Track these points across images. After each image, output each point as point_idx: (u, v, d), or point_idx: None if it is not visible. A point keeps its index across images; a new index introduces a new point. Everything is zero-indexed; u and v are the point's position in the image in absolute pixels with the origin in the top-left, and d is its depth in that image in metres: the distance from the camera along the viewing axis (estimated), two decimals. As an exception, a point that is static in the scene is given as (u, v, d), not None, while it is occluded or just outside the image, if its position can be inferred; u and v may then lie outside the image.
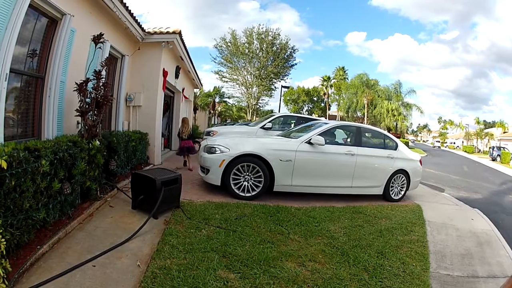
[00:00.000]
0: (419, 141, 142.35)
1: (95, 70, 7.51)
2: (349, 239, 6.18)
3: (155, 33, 12.54)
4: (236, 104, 62.94)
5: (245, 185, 8.58)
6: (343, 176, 9.37)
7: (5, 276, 3.93)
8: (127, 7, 9.82)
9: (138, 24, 11.23)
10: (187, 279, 4.28)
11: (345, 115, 67.66)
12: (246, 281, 4.45)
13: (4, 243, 3.95)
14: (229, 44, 55.77)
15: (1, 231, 3.92)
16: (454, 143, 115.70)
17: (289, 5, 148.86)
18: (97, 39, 7.58)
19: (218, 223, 6.35)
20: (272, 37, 55.19)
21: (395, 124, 61.89)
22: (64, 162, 5.73)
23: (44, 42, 7.32)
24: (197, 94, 41.51)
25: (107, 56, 9.36)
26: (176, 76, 16.46)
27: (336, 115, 75.53)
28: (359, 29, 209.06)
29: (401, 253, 5.88)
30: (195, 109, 32.55)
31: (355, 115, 67.38)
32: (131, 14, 10.34)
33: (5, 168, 4.15)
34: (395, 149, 10.52)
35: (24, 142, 5.09)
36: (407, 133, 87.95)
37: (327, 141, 9.14)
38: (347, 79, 72.11)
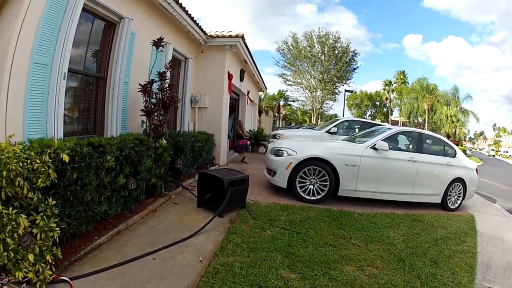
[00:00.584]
0: (476, 149, 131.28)
1: (158, 72, 7.64)
2: (406, 246, 6.04)
3: (218, 36, 12.59)
4: (300, 107, 62.73)
5: (310, 188, 8.45)
6: (405, 183, 9.03)
7: (53, 263, 4.07)
8: (187, 11, 9.88)
9: (200, 27, 11.30)
10: (249, 277, 4.25)
11: (407, 120, 65.17)
12: (306, 281, 4.38)
13: (58, 231, 4.08)
14: (291, 47, 55.84)
15: (56, 220, 4.06)
16: (507, 151, 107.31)
17: (346, 7, 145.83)
18: (158, 43, 7.65)
19: (282, 225, 6.31)
20: (333, 40, 54.84)
21: (453, 130, 59.28)
22: (130, 159, 5.89)
23: (103, 45, 7.52)
24: (262, 97, 41.70)
25: (171, 58, 9.53)
26: (241, 79, 16.53)
27: (398, 121, 72.33)
28: (415, 31, 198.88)
29: (452, 263, 5.67)
30: (259, 112, 32.69)
31: (415, 121, 64.56)
32: (192, 18, 10.42)
33: (67, 161, 4.31)
34: (454, 157, 10.00)
35: (87, 138, 5.24)
36: (465, 141, 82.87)
37: (390, 146, 8.87)
38: (407, 83, 69.33)
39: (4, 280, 3.95)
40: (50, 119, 5.76)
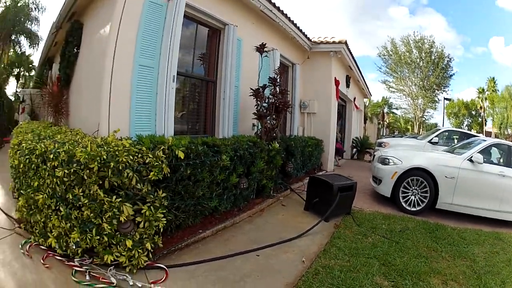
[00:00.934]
0: None
1: (269, 77, 7.85)
2: (486, 264, 5.68)
3: (322, 42, 12.57)
4: (403, 115, 60.13)
5: (412, 199, 8.14)
6: (492, 198, 8.21)
7: (152, 251, 4.36)
8: (289, 17, 9.99)
9: (304, 34, 11.40)
10: (346, 280, 4.29)
11: (498, 131, 57.57)
12: (396, 290, 4.37)
13: (164, 222, 4.38)
14: (390, 53, 53.79)
15: (163, 211, 4.36)
16: None
17: (434, 9, 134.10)
18: (261, 49, 7.85)
19: (383, 233, 6.27)
20: (428, 45, 51.77)
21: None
22: (243, 159, 6.18)
23: (210, 50, 7.93)
24: (366, 104, 40.66)
25: (279, 64, 9.68)
26: (347, 85, 16.40)
27: (491, 132, 65.21)
28: (497, 33, 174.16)
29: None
30: (365, 119, 31.91)
31: (506, 132, 57.23)
32: (295, 24, 10.52)
33: (182, 158, 4.64)
34: None
35: (200, 138, 5.59)
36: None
37: (484, 159, 8.20)
38: (497, 90, 61.56)
39: (86, 261, 4.33)
40: (160, 118, 6.18)
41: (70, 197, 4.10)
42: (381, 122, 46.12)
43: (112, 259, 4.14)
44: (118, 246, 4.15)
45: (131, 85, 5.90)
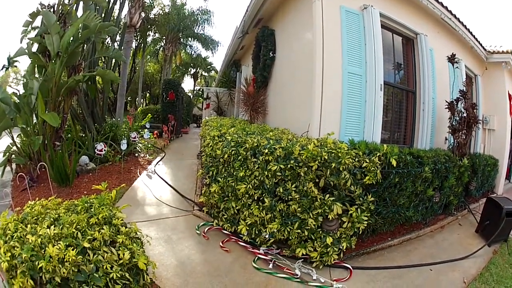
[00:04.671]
0: None
1: (460, 90, 7.50)
2: None
3: (494, 52, 11.25)
4: None
5: None
6: None
7: (344, 251, 4.49)
8: (465, 25, 9.31)
9: (479, 43, 10.42)
10: None
11: None
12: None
13: (365, 225, 4.45)
14: None
15: (368, 214, 4.45)
16: None
17: None
18: (452, 59, 7.59)
19: None
20: None
21: None
22: (440, 173, 6.07)
23: (406, 60, 7.75)
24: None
25: (465, 76, 9.16)
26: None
27: None
28: None
29: None
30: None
31: None
32: (471, 32, 9.74)
33: (394, 165, 4.73)
34: None
35: (407, 148, 5.69)
36: None
37: None
38: None
39: (273, 251, 4.56)
40: (368, 124, 6.32)
41: (281, 190, 4.33)
42: None
43: (304, 253, 4.31)
44: (315, 242, 4.30)
45: (342, 91, 6.14)
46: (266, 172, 4.42)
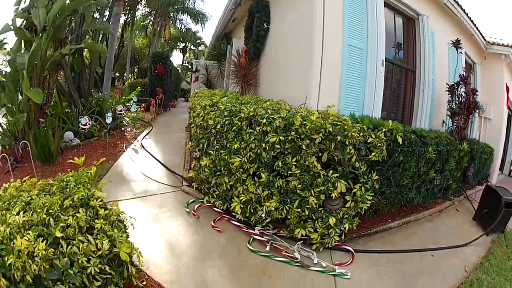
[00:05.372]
0: None
1: (460, 74, 7.36)
2: None
3: (494, 43, 11.20)
4: None
5: None
6: None
7: (345, 232, 4.21)
8: (467, 13, 9.19)
9: (480, 32, 10.36)
10: None
11: None
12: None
13: (368, 205, 4.12)
14: None
15: (372, 194, 4.11)
16: None
17: None
18: (457, 44, 7.47)
19: None
20: None
21: None
22: (441, 155, 5.90)
23: (407, 39, 7.61)
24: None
25: (464, 62, 9.01)
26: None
27: None
28: None
29: None
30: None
31: None
32: (472, 21, 9.65)
33: (400, 143, 4.43)
34: None
35: (408, 126, 5.61)
36: None
37: None
38: None
39: (270, 231, 4.22)
40: (368, 100, 6.10)
41: (280, 165, 3.94)
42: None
43: (303, 234, 3.98)
44: (315, 222, 3.98)
45: (342, 63, 5.90)
46: (263, 144, 4.03)
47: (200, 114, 5.38)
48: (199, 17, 26.04)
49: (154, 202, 4.96)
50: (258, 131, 4.10)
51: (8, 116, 7.19)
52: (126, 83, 19.20)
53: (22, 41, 7.39)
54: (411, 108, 7.57)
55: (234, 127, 4.47)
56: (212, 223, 4.36)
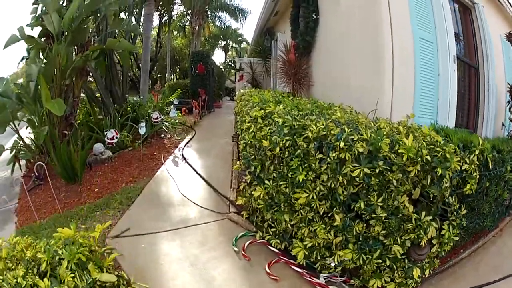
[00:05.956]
0: None
1: None
2: None
3: None
4: None
5: None
6: None
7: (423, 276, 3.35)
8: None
9: None
10: None
11: None
12: None
13: (451, 245, 3.40)
14: None
15: (458, 231, 3.32)
16: None
17: None
18: (510, 37, 6.50)
19: None
20: None
21: None
22: None
23: (465, 30, 6.60)
24: None
25: None
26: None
27: None
28: None
29: None
30: None
31: None
32: None
33: (490, 167, 3.52)
34: None
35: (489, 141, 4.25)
36: None
37: None
38: None
39: (337, 279, 3.37)
40: (443, 104, 5.03)
41: (362, 206, 2.93)
42: None
43: (379, 286, 3.16)
44: (395, 272, 3.14)
45: (414, 59, 4.80)
46: (339, 177, 2.97)
47: (251, 130, 4.22)
48: (238, 13, 25.39)
49: (194, 236, 4.12)
50: (332, 158, 3.05)
51: (31, 128, 6.67)
52: (166, 85, 18.67)
53: (40, 50, 6.88)
54: (476, 111, 6.48)
55: (298, 151, 3.32)
56: (267, 268, 3.46)
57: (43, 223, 4.66)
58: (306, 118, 3.59)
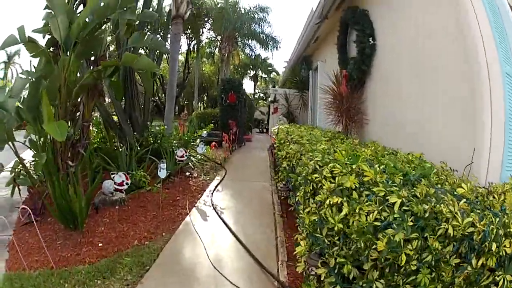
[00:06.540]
0: None
1: None
2: None
3: None
4: None
5: None
6: None
7: None
8: None
9: None
10: None
11: None
12: None
13: None
14: None
15: None
16: None
17: None
18: None
19: None
20: None
21: None
22: None
23: None
24: None
25: None
26: None
27: None
28: None
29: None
30: None
31: None
32: None
33: None
34: None
35: None
36: None
37: None
38: None
39: None
40: None
41: None
42: None
43: None
44: None
45: (504, 101, 3.67)
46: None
47: (324, 214, 2.48)
48: (268, 42, 24.63)
49: None
50: (475, 266, 1.87)
51: (33, 150, 5.53)
52: (193, 114, 17.71)
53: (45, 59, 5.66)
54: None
55: (428, 256, 1.94)
56: None
57: (33, 276, 3.40)
58: (429, 197, 2.19)
